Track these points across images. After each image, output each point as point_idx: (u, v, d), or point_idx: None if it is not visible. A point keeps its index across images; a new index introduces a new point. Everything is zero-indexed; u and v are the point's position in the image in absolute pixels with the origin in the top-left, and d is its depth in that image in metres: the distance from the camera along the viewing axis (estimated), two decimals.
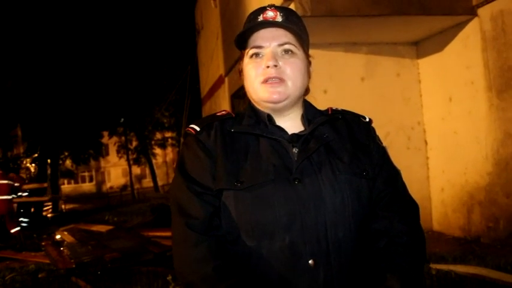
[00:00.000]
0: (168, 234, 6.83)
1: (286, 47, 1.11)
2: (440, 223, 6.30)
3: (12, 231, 8.66)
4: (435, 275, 3.92)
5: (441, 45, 6.06)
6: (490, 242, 5.35)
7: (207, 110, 11.56)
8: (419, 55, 6.50)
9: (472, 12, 5.42)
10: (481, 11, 5.36)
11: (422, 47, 6.45)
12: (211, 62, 10.23)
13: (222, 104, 9.26)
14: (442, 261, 4.51)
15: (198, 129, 1.14)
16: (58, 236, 9.30)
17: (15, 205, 9.83)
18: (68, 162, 27.35)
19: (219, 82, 9.54)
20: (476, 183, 5.62)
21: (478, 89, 5.48)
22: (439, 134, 6.27)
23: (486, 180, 5.46)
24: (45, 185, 13.27)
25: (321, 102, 1.30)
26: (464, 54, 5.68)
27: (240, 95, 7.22)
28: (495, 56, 5.22)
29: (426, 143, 6.50)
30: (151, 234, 8.16)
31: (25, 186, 10.88)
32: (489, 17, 5.25)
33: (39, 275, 5.39)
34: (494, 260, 4.37)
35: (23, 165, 19.96)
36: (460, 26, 5.67)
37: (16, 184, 10.29)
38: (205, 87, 11.74)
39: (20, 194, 10.37)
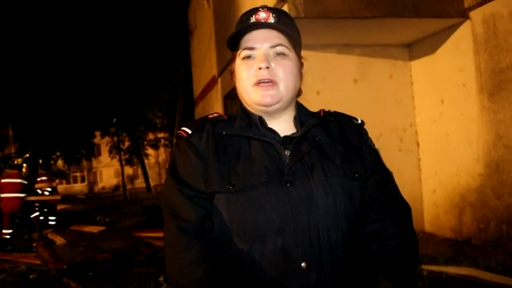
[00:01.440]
0: (160, 235, 6.79)
1: (279, 48, 1.10)
2: (432, 224, 6.33)
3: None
4: (427, 276, 3.94)
5: (433, 47, 6.10)
6: (481, 243, 5.39)
7: (199, 111, 11.54)
8: (412, 57, 6.53)
9: (464, 15, 5.47)
10: (472, 14, 5.40)
11: (414, 49, 6.48)
12: (204, 63, 10.21)
13: (215, 105, 9.26)
14: (434, 262, 4.53)
15: (189, 131, 1.13)
16: (49, 237, 9.23)
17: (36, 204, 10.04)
18: (60, 163, 27.27)
19: (211, 83, 9.53)
20: (467, 185, 5.66)
21: (470, 91, 5.52)
22: (431, 135, 6.30)
23: (477, 182, 5.50)
24: (55, 184, 13.22)
25: (314, 104, 1.29)
26: (456, 56, 5.72)
27: (232, 96, 7.22)
28: (487, 58, 5.26)
29: (418, 144, 6.53)
30: (143, 235, 8.14)
31: (36, 186, 10.96)
32: (481, 20, 5.30)
33: (30, 276, 5.35)
34: (485, 261, 4.40)
35: (13, 165, 19.79)
36: (452, 29, 5.71)
37: (44, 178, 10.78)
38: (198, 88, 11.73)
39: (46, 192, 10.71)
